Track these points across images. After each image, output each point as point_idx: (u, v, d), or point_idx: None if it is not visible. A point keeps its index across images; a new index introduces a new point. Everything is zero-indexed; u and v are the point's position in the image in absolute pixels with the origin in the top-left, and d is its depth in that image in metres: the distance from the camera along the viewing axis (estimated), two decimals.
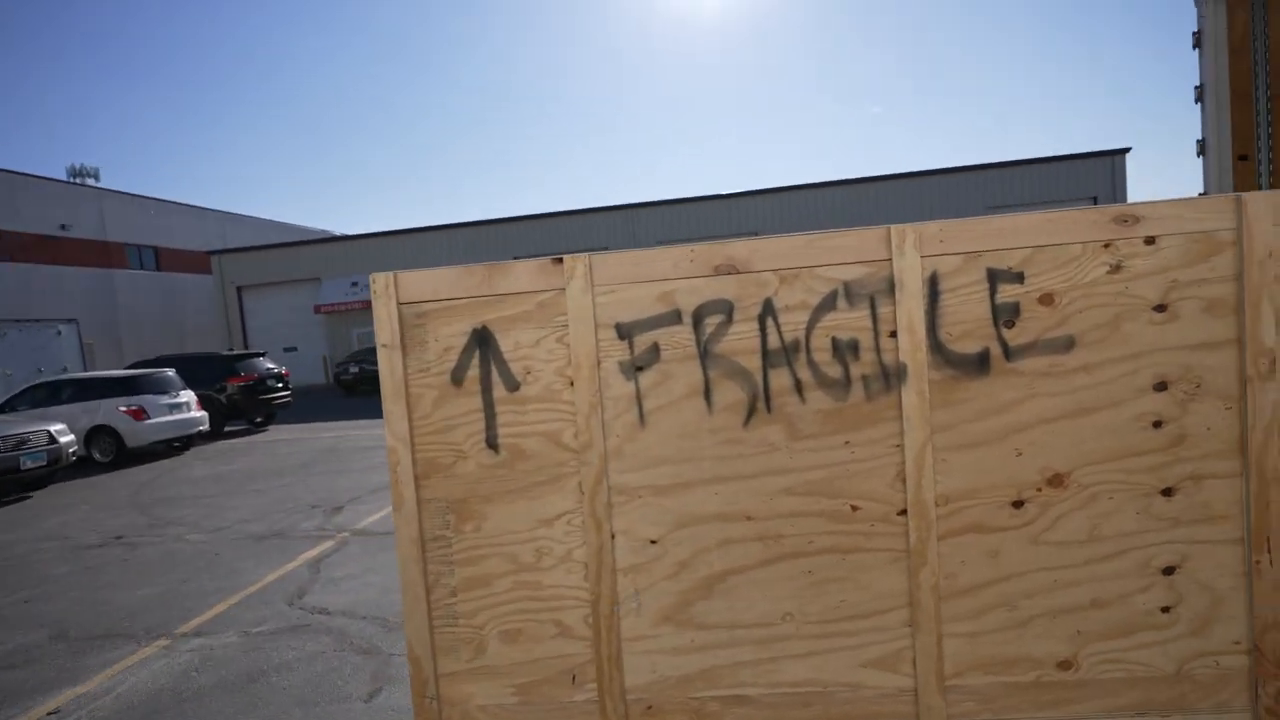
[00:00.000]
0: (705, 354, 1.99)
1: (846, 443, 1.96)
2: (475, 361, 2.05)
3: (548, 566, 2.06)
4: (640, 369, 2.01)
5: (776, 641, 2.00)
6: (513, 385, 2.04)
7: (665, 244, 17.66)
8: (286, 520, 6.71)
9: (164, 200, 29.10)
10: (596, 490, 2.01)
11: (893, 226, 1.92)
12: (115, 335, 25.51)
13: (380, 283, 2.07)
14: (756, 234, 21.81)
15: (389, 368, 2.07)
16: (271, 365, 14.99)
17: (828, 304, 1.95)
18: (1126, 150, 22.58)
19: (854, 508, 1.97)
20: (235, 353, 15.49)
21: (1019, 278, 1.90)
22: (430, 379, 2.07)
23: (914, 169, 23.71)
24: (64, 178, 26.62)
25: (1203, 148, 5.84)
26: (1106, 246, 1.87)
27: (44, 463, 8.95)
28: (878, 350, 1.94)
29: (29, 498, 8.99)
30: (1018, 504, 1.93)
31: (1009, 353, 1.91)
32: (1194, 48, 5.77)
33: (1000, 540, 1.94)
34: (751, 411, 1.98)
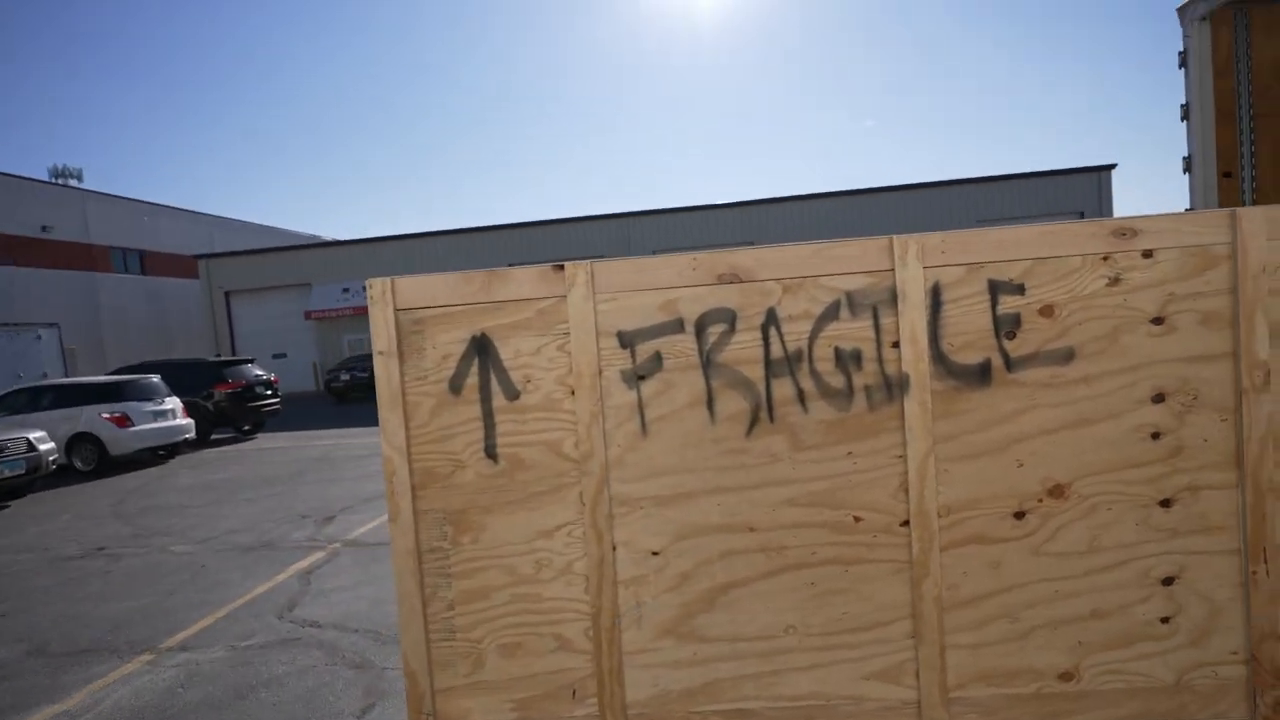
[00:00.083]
0: (708, 363, 1.98)
1: (849, 453, 1.96)
2: (474, 369, 2.03)
3: (548, 579, 2.03)
4: (642, 378, 2.00)
5: (779, 654, 1.98)
6: (512, 394, 2.02)
7: (660, 253, 17.69)
8: (276, 530, 6.60)
9: (150, 203, 28.81)
10: (598, 501, 1.99)
11: (895, 237, 1.93)
12: (98, 340, 25.12)
13: (377, 288, 2.04)
14: (752, 243, 21.93)
15: (386, 375, 2.04)
16: (260, 372, 14.81)
17: (831, 314, 1.95)
18: (1112, 166, 23.04)
19: (857, 519, 1.96)
20: (223, 359, 15.30)
21: (1020, 289, 1.92)
22: (428, 387, 2.04)
23: (904, 182, 24.03)
24: (46, 178, 26.31)
25: (1188, 164, 5.96)
26: (1105, 259, 1.90)
27: (22, 471, 8.76)
28: (880, 360, 1.94)
29: (7, 507, 8.78)
30: (1019, 515, 1.93)
31: (1010, 364, 1.92)
32: (1180, 67, 5.90)
33: (1002, 551, 1.94)
34: (754, 421, 1.98)
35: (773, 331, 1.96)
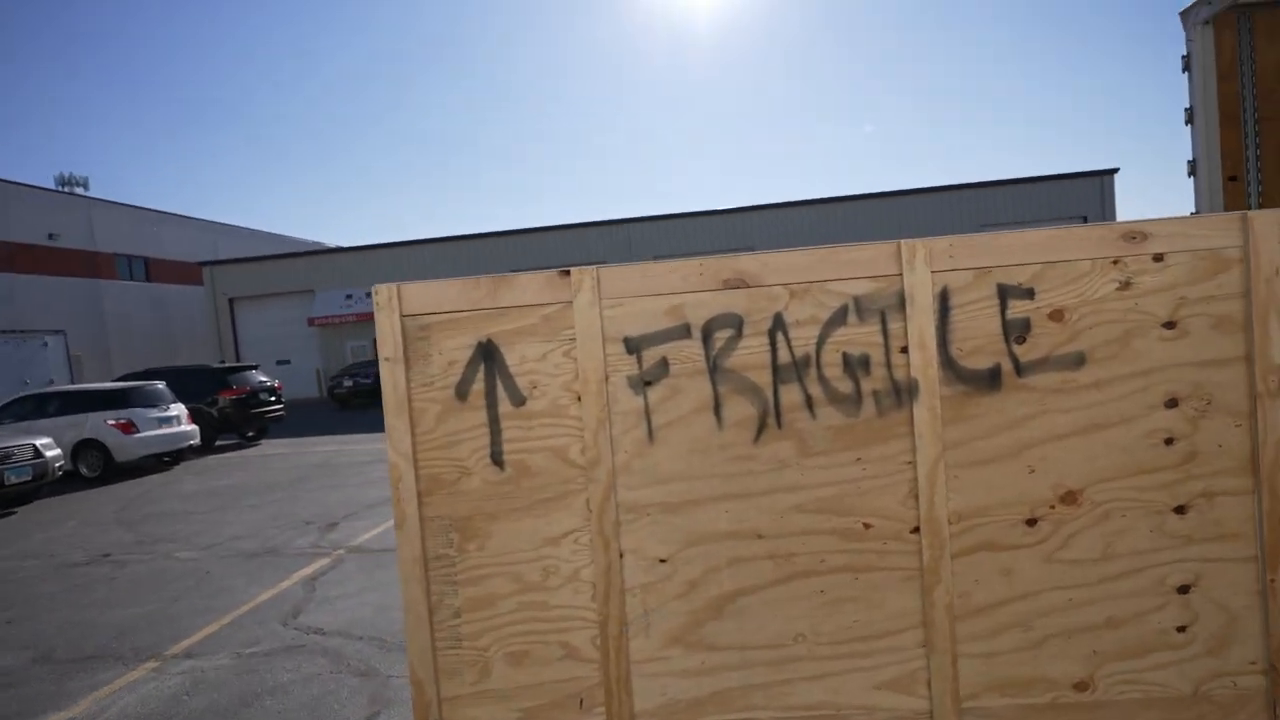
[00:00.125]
0: (715, 369, 1.97)
1: (858, 459, 1.94)
2: (480, 375, 2.02)
3: (554, 586, 2.01)
4: (649, 384, 1.98)
5: (789, 663, 1.96)
6: (518, 400, 2.01)
7: (662, 258, 17.72)
8: (280, 537, 6.59)
9: (155, 210, 29.00)
10: (604, 507, 1.98)
11: (903, 241, 1.92)
12: (104, 347, 25.25)
13: (383, 294, 2.04)
14: (753, 249, 21.92)
15: (391, 381, 2.03)
16: (264, 378, 14.86)
17: (838, 319, 1.94)
18: (1115, 171, 23.00)
19: (866, 525, 1.94)
20: (227, 365, 15.37)
21: (1029, 293, 1.90)
22: (434, 393, 2.04)
23: (906, 187, 24.04)
24: (52, 186, 26.51)
25: (1193, 168, 5.94)
26: (1115, 263, 1.88)
27: (29, 478, 8.78)
28: (889, 366, 1.93)
29: (13, 514, 8.80)
30: (1031, 521, 1.91)
31: (1020, 369, 1.91)
32: (1183, 71, 5.90)
33: (1014, 558, 1.91)
34: (762, 427, 1.96)
35: (780, 337, 1.95)
